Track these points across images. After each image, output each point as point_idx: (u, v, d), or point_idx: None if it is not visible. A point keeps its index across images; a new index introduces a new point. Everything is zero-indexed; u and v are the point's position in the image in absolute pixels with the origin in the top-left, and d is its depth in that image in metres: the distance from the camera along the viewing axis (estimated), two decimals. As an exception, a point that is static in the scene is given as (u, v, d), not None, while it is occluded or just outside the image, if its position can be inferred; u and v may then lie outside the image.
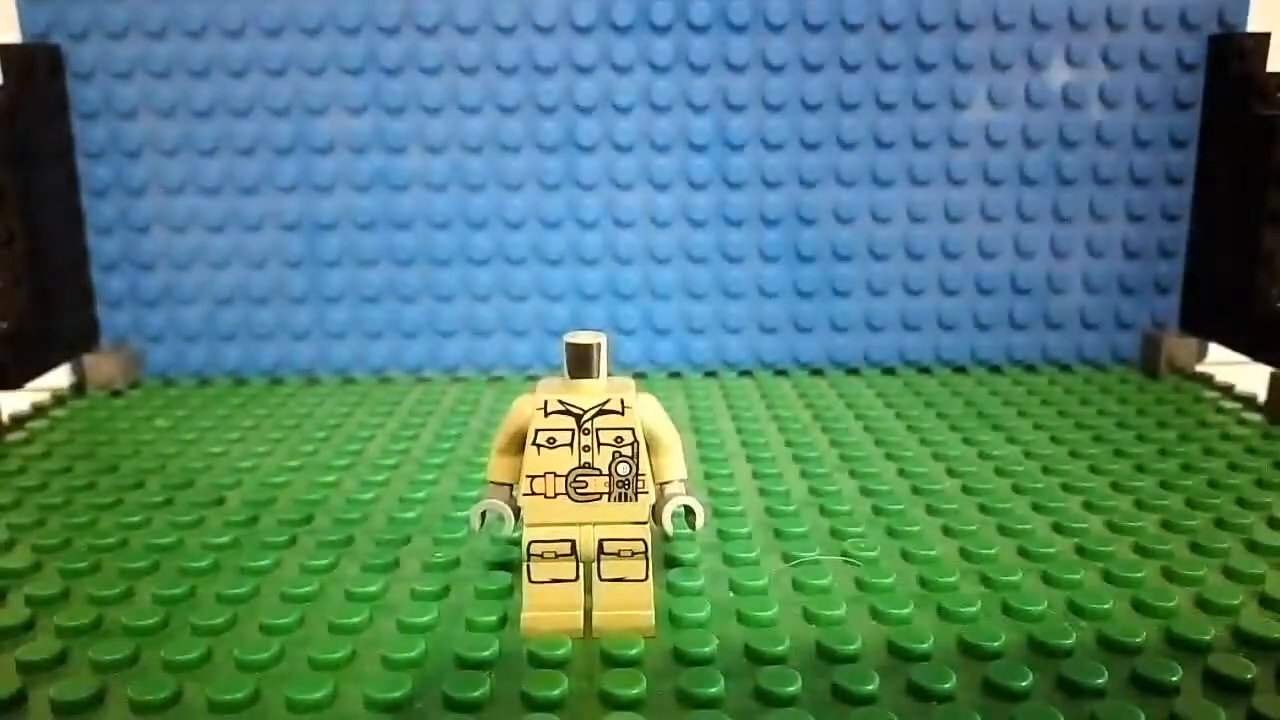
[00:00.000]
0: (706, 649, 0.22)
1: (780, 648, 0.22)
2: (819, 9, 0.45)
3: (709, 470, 0.34)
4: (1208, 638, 0.22)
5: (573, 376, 0.22)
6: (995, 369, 0.48)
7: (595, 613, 0.23)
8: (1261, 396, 0.41)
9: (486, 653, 0.22)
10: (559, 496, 0.22)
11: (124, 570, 0.27)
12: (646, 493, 0.22)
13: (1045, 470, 0.34)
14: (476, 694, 0.21)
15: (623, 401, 0.22)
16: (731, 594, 0.25)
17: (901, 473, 0.34)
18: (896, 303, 0.48)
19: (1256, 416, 0.40)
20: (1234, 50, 0.44)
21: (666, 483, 0.23)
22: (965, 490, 0.32)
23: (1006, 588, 0.25)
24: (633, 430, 0.22)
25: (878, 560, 0.27)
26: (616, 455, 0.22)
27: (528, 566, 0.23)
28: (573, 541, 0.23)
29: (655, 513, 0.23)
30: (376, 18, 0.44)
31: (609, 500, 0.22)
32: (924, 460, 0.35)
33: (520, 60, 0.45)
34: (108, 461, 0.36)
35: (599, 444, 0.22)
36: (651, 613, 0.23)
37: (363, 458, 0.36)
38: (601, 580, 0.23)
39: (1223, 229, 0.45)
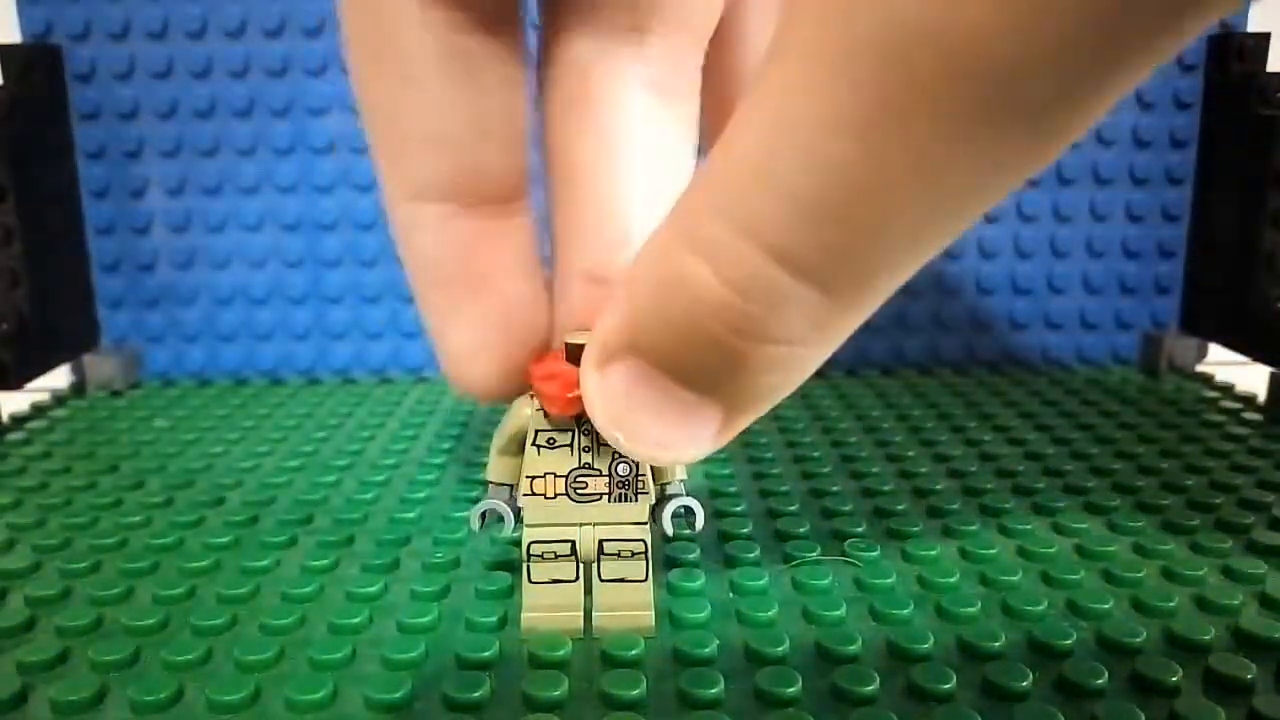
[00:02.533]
0: (706, 650, 0.22)
1: (780, 648, 0.22)
2: (819, 9, 0.45)
3: (709, 470, 0.34)
4: (1208, 638, 0.22)
5: (573, 377, 0.22)
6: (995, 369, 0.48)
7: (595, 613, 0.23)
8: (1261, 396, 0.41)
9: (487, 653, 0.22)
10: (559, 497, 0.22)
11: (124, 570, 0.27)
12: (647, 493, 0.22)
13: (1046, 471, 0.34)
14: (476, 695, 0.21)
15: (623, 402, 0.22)
16: (732, 594, 0.25)
17: (902, 473, 0.34)
18: (896, 303, 0.48)
19: (1256, 416, 0.40)
20: (1234, 50, 0.44)
21: (666, 483, 0.23)
22: (966, 491, 0.32)
23: (1006, 588, 0.25)
24: (633, 430, 0.22)
25: (877, 560, 0.27)
26: (616, 455, 0.22)
27: (527, 567, 0.23)
28: (573, 542, 0.23)
29: (655, 513, 0.23)
30: (376, 18, 0.44)
31: (609, 501, 0.22)
32: (925, 461, 0.35)
33: (520, 60, 0.45)
34: (108, 461, 0.36)
35: (599, 444, 0.22)
36: (652, 613, 0.23)
37: (363, 458, 0.36)
38: (601, 581, 0.23)
39: (1223, 229, 0.45)
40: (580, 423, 0.22)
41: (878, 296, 0.14)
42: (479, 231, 0.20)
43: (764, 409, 0.17)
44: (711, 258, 0.14)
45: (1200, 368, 0.47)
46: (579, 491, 0.22)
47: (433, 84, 0.18)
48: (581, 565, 0.23)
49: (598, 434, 0.22)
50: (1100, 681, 0.21)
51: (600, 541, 0.23)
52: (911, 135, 0.12)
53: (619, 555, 0.23)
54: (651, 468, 0.23)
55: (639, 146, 0.20)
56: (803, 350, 0.15)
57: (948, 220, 0.13)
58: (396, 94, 0.19)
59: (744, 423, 0.17)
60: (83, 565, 0.27)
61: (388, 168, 0.20)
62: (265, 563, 0.27)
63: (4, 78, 0.42)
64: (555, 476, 0.22)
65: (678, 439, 0.17)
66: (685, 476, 0.24)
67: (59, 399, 0.45)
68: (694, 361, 0.16)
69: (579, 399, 0.21)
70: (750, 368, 0.15)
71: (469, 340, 0.20)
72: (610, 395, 0.17)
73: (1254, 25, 0.45)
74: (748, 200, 0.13)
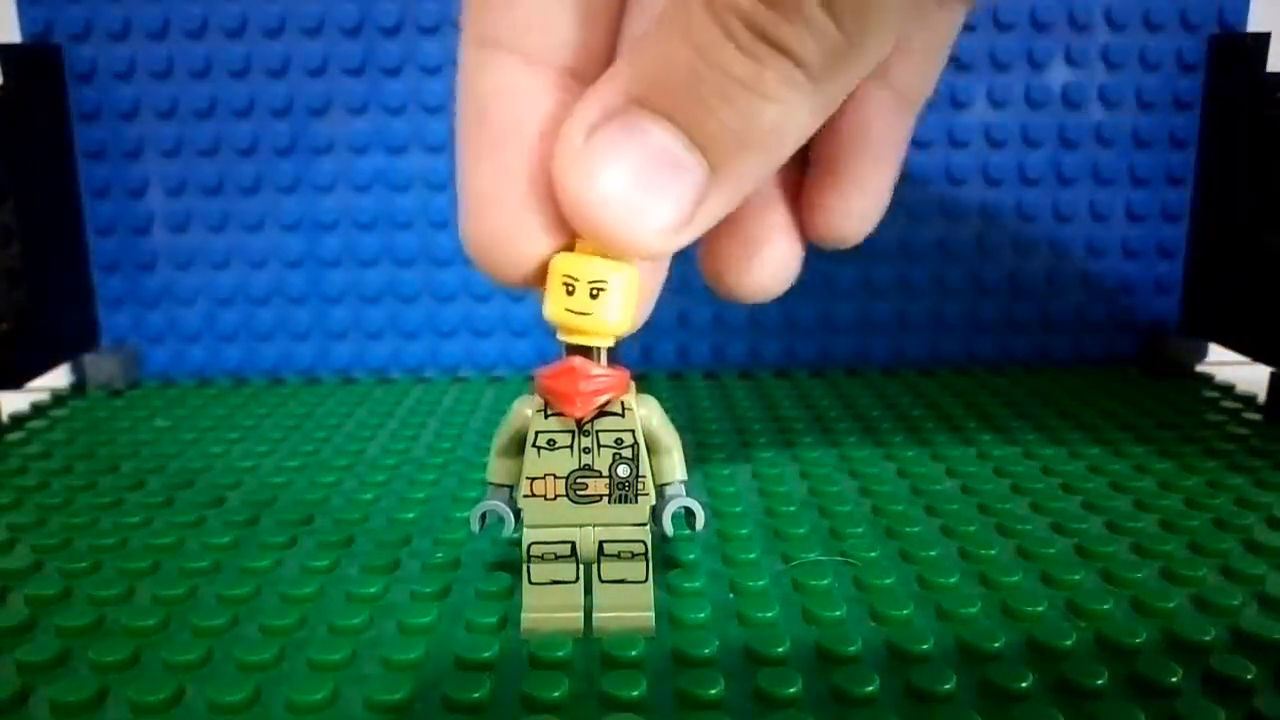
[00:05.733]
0: (707, 650, 0.22)
1: (780, 649, 0.22)
2: (819, 9, 0.45)
3: (709, 470, 0.34)
4: (1208, 638, 0.22)
5: (573, 377, 0.22)
6: (995, 369, 0.48)
7: (595, 614, 0.23)
8: (1261, 396, 0.41)
9: (487, 654, 0.22)
10: (559, 498, 0.22)
11: (124, 570, 0.27)
12: (647, 494, 0.22)
13: (1045, 470, 0.34)
14: (477, 695, 0.21)
15: (623, 403, 0.22)
16: (732, 595, 0.25)
17: (901, 473, 0.34)
18: (896, 303, 0.48)
19: (1256, 416, 0.40)
20: (1234, 50, 0.44)
21: (666, 484, 0.23)
22: (965, 490, 0.32)
23: (1006, 588, 0.25)
24: (633, 432, 0.22)
25: (877, 560, 0.27)
26: (617, 457, 0.22)
27: (528, 568, 0.23)
28: (573, 543, 0.23)
29: (655, 514, 0.23)
30: (376, 18, 0.44)
31: (609, 502, 0.22)
32: (924, 460, 0.35)
33: (520, 60, 0.45)
34: (108, 461, 0.36)
35: (599, 446, 0.22)
36: (652, 614, 0.23)
37: (363, 458, 0.36)
38: (602, 582, 0.23)
39: (1223, 229, 0.45)
40: (581, 424, 0.22)
41: (873, 42, 0.16)
42: (540, 92, 0.20)
43: (743, 175, 0.18)
44: None
45: (1200, 368, 0.47)
46: (579, 493, 0.22)
47: None
48: (581, 566, 0.23)
49: (598, 435, 0.22)
50: (1100, 681, 0.21)
51: (600, 543, 0.23)
52: None
53: (619, 556, 0.23)
54: (651, 470, 0.23)
55: None
56: (805, 86, 0.16)
57: None
58: None
59: (717, 196, 0.18)
60: (83, 565, 0.27)
61: (476, 6, 0.20)
62: (265, 563, 0.27)
63: (4, 78, 0.42)
64: (555, 478, 0.22)
65: (650, 204, 0.17)
66: (684, 477, 0.24)
67: (59, 399, 0.45)
68: (697, 90, 0.16)
69: (590, 397, 0.21)
70: (756, 87, 0.16)
71: (489, 186, 0.20)
72: (590, 158, 0.17)
73: (1254, 25, 0.45)
74: None
